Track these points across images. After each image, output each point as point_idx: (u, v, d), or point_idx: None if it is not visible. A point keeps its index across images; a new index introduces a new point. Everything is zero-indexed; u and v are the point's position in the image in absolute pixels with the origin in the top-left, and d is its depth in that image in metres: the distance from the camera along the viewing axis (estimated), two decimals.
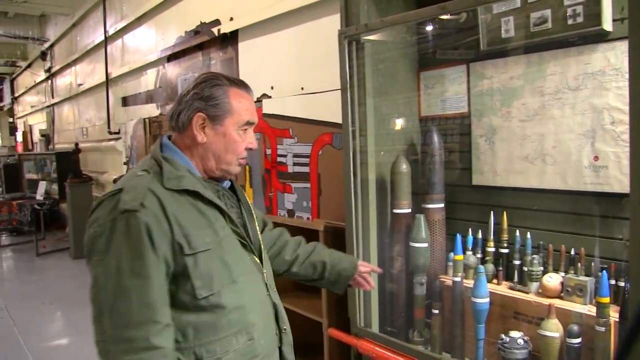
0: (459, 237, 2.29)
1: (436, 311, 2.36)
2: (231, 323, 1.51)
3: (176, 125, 1.61)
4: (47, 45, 11.20)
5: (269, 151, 4.00)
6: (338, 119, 3.27)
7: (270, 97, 3.99)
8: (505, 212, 2.32)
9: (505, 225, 2.32)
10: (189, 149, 1.59)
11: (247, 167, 4.30)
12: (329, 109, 3.37)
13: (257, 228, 1.73)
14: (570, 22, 2.02)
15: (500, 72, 2.33)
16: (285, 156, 3.85)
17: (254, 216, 1.74)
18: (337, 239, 2.69)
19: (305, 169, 3.64)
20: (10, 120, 17.91)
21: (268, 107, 4.00)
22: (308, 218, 3.64)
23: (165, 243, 1.42)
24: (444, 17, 2.42)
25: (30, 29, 11.11)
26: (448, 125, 2.56)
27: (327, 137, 3.42)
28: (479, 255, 2.39)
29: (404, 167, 2.45)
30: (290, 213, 3.83)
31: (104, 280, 1.40)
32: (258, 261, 1.65)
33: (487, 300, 2.12)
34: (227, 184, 1.70)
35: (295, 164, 3.76)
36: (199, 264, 1.45)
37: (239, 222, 1.62)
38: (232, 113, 1.56)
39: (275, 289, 1.72)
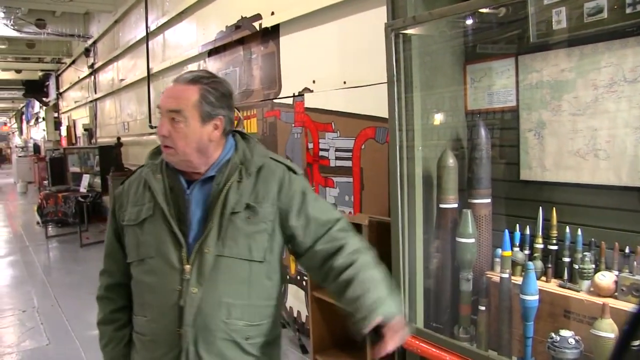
0: (507, 233, 2.25)
1: (483, 308, 2.32)
2: (136, 294, 1.75)
3: None
4: (90, 42, 11.43)
5: (310, 145, 4.00)
6: (381, 113, 3.30)
7: (312, 91, 3.98)
8: (554, 208, 2.26)
9: (554, 221, 2.26)
10: None
11: (289, 160, 4.29)
12: (372, 103, 3.35)
13: (217, 226, 1.62)
14: (628, 10, 1.95)
15: (550, 64, 2.27)
16: (327, 150, 3.84)
17: (221, 216, 1.64)
18: (382, 233, 2.67)
19: (348, 163, 3.63)
20: (55, 115, 18.36)
21: (310, 101, 4.00)
22: (350, 212, 3.63)
23: (121, 212, 1.76)
24: (493, 9, 2.37)
25: (75, 26, 11.35)
26: (495, 119, 2.51)
27: (370, 131, 3.40)
28: (526, 252, 2.34)
29: (451, 161, 2.42)
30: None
31: None
32: (184, 256, 1.62)
33: (537, 297, 2.07)
34: (207, 174, 1.68)
35: (337, 158, 3.75)
36: (126, 235, 1.74)
37: (182, 213, 1.66)
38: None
39: (201, 293, 1.60)
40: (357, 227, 3.29)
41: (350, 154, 3.59)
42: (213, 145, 1.68)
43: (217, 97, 1.65)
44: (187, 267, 1.62)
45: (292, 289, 4.45)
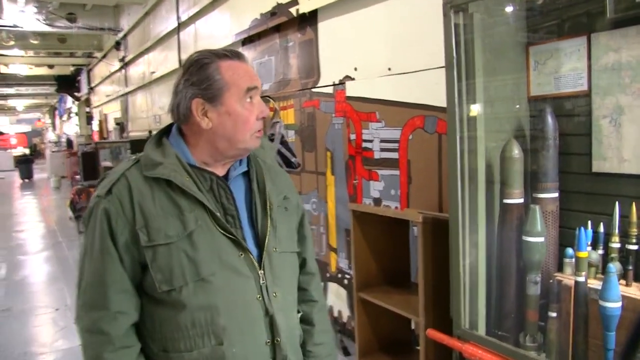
0: (582, 230, 2.02)
1: (553, 314, 2.10)
2: (195, 323, 1.43)
3: (178, 118, 1.52)
4: (121, 35, 11.38)
5: (353, 136, 3.80)
6: (431, 101, 3.08)
7: (353, 79, 3.78)
8: (634, 204, 2.03)
9: (634, 217, 2.02)
10: (196, 136, 1.51)
11: (329, 153, 4.11)
12: (421, 90, 3.13)
13: (271, 222, 1.56)
14: None
15: (631, 42, 2.03)
16: (371, 141, 3.63)
17: (270, 209, 1.57)
18: (437, 232, 2.47)
19: (394, 155, 3.41)
20: (87, 109, 18.50)
21: (351, 90, 3.79)
22: (396, 207, 3.42)
23: (127, 231, 1.41)
24: None
25: (105, 20, 11.32)
26: (563, 105, 2.27)
27: (419, 121, 3.18)
28: (600, 252, 2.11)
29: (516, 152, 2.20)
30: (377, 202, 3.62)
31: (79, 260, 1.48)
32: (254, 260, 1.50)
33: (619, 304, 1.85)
34: (240, 169, 1.58)
35: (382, 150, 3.53)
36: (158, 257, 1.41)
37: (230, 215, 1.50)
38: (229, 87, 1.46)
39: (280, 294, 1.54)
40: (406, 225, 3.11)
41: (397, 145, 3.38)
42: None
43: None
44: (261, 272, 1.51)
45: (332, 287, 4.27)
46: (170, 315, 1.44)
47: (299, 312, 1.72)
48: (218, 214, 1.46)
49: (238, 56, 1.52)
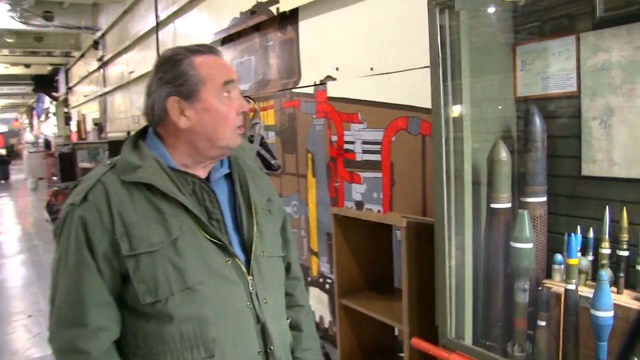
0: (573, 237, 1.95)
1: (542, 323, 2.02)
2: (183, 336, 1.35)
3: (154, 119, 1.43)
4: (99, 34, 11.19)
5: (334, 137, 3.70)
6: (415, 102, 3.00)
7: (335, 79, 3.69)
8: (625, 208, 1.96)
9: (625, 223, 1.95)
10: (174, 137, 1.44)
11: (310, 154, 4.02)
12: (405, 91, 3.05)
13: (257, 225, 1.49)
14: None
15: (622, 42, 1.96)
16: (353, 143, 3.54)
17: (255, 213, 1.50)
18: (422, 237, 2.38)
19: (376, 157, 3.33)
20: (65, 110, 18.23)
21: (333, 90, 3.70)
22: (379, 210, 3.33)
23: (106, 240, 1.32)
24: None
25: (83, 18, 11.12)
26: (551, 106, 2.21)
27: (402, 122, 3.10)
28: (589, 258, 2.04)
29: (504, 154, 2.12)
30: (359, 205, 3.53)
31: (52, 273, 1.39)
32: (242, 266, 1.44)
33: (612, 313, 1.78)
34: (222, 172, 1.50)
35: (364, 152, 3.44)
36: (141, 267, 1.32)
37: (215, 219, 1.44)
38: (205, 82, 1.41)
39: (271, 300, 1.49)
40: (389, 228, 3.02)
41: (379, 146, 3.29)
42: None
43: None
44: (250, 278, 1.43)
45: (314, 292, 4.17)
46: (156, 328, 1.35)
47: (287, 318, 1.66)
48: (203, 219, 1.38)
49: (212, 50, 1.46)
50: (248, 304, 1.42)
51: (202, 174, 1.47)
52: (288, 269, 1.72)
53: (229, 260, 1.41)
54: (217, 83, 1.41)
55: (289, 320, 1.66)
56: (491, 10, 2.31)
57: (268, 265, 1.51)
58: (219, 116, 1.41)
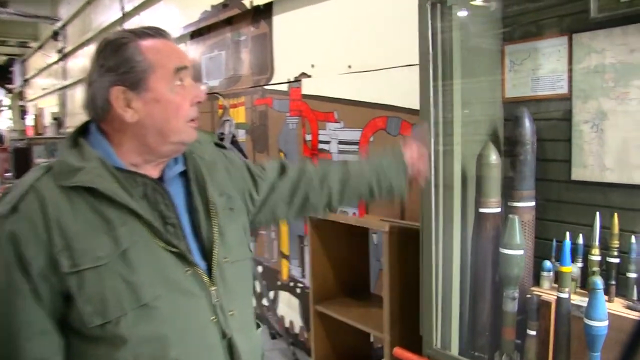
0: (566, 243, 1.89)
1: (532, 332, 1.95)
2: (140, 359, 1.17)
3: (96, 113, 1.26)
4: (59, 24, 10.84)
5: (308, 137, 3.60)
6: (394, 101, 2.91)
7: (310, 76, 3.58)
8: (616, 214, 1.91)
9: (616, 229, 1.90)
10: (120, 133, 1.25)
11: (282, 154, 3.91)
12: (384, 90, 2.97)
13: (217, 228, 1.33)
14: None
15: (616, 44, 1.91)
16: (328, 143, 3.44)
17: (215, 211, 1.34)
18: (405, 242, 2.30)
19: (353, 158, 3.23)
20: (21, 103, 17.69)
21: (308, 88, 3.60)
22: (354, 214, 3.24)
23: (43, 256, 1.13)
24: None
25: (41, 7, 10.75)
26: (541, 109, 2.14)
27: (381, 122, 3.02)
28: (579, 265, 1.99)
29: (494, 157, 2.05)
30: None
31: None
32: (203, 276, 1.26)
33: (606, 323, 1.72)
34: (176, 169, 1.33)
35: (340, 152, 3.35)
36: (86, 284, 1.14)
37: (171, 224, 1.26)
38: (154, 69, 1.22)
39: (237, 311, 1.33)
40: (366, 233, 2.94)
41: (357, 147, 3.20)
42: None
43: None
44: (213, 289, 1.27)
45: (284, 296, 4.06)
46: (107, 353, 1.17)
47: (258, 326, 1.51)
48: (156, 225, 1.21)
49: (161, 33, 1.28)
50: (212, 318, 1.26)
51: (154, 173, 1.30)
52: (284, 168, 1.63)
53: (188, 270, 1.24)
54: (168, 70, 1.23)
55: (260, 330, 1.52)
56: (481, 6, 2.23)
57: (232, 272, 1.34)
58: (170, 107, 1.24)
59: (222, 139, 4.17)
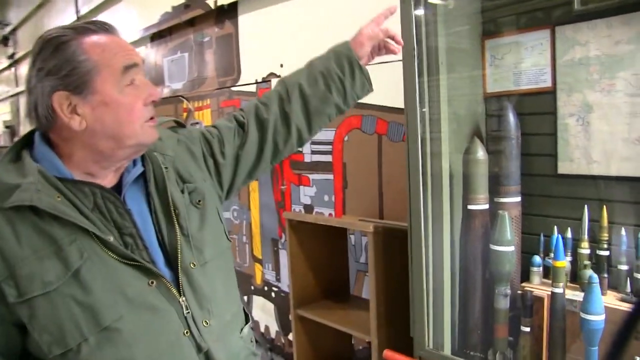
0: (559, 238, 1.87)
1: (527, 329, 1.93)
2: None
3: (39, 122, 1.14)
4: (8, 29, 10.46)
5: None
6: (369, 99, 2.82)
7: (279, 76, 3.50)
8: (605, 207, 1.90)
9: (605, 222, 1.89)
10: (69, 143, 1.15)
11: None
12: None
13: (180, 230, 1.22)
14: None
15: (600, 36, 1.90)
16: None
17: (177, 212, 1.23)
18: (389, 243, 2.25)
19: (327, 158, 3.17)
20: None
21: None
22: (330, 214, 3.18)
23: None
24: None
25: None
26: (524, 103, 2.12)
27: (355, 121, 2.96)
28: (568, 259, 1.97)
29: (481, 153, 2.02)
30: (308, 208, 3.36)
31: None
32: (171, 287, 1.17)
33: (603, 317, 1.70)
34: (135, 172, 1.22)
35: (313, 152, 3.27)
36: (37, 313, 1.05)
37: (128, 234, 1.16)
38: (100, 69, 1.11)
39: (214, 319, 1.24)
40: (344, 233, 2.88)
41: (330, 147, 3.14)
42: None
43: None
44: (182, 299, 1.16)
45: (258, 301, 3.96)
46: None
47: (247, 320, 1.43)
48: (110, 238, 1.11)
49: (106, 28, 1.17)
50: (184, 331, 1.17)
51: (112, 179, 1.21)
52: (242, 126, 1.52)
53: (152, 282, 1.14)
54: (115, 69, 1.12)
55: (248, 325, 1.42)
56: (458, 1, 2.20)
57: (204, 276, 1.24)
58: (121, 110, 1.13)
59: None
